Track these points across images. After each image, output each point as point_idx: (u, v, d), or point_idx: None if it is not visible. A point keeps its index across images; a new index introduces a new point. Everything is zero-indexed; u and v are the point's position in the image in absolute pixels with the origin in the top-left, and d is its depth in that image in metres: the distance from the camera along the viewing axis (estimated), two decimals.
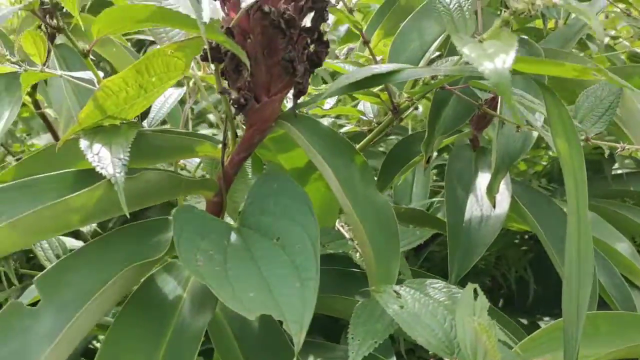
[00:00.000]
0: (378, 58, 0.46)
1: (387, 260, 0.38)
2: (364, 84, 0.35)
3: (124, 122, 0.39)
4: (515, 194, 0.56)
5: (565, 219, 0.56)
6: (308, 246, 0.35)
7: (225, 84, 0.39)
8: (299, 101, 0.38)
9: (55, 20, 0.33)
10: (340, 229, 0.48)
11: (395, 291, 0.34)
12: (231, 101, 0.35)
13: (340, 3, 0.43)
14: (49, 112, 0.77)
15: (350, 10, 0.42)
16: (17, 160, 0.80)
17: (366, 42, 0.45)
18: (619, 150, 0.43)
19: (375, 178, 0.59)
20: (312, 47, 0.38)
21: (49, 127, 0.77)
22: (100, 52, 0.75)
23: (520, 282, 0.93)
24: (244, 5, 0.34)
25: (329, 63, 0.52)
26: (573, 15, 0.77)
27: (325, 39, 0.37)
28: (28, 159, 0.39)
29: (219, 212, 0.41)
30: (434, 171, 0.87)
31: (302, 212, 0.37)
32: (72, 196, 0.31)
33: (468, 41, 0.28)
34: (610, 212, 0.71)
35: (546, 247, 0.53)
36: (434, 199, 0.73)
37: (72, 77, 0.39)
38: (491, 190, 0.48)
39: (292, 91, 0.38)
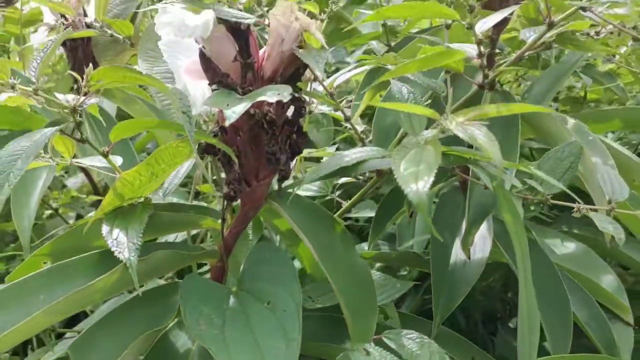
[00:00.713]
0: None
1: (363, 317, 0.44)
2: (336, 174, 0.42)
3: (140, 200, 0.47)
4: (496, 235, 0.61)
5: (543, 259, 0.62)
6: (293, 310, 0.41)
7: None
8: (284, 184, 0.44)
9: (80, 134, 0.40)
10: None
11: (365, 349, 0.40)
12: (223, 194, 0.42)
13: (320, 87, 0.49)
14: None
15: (331, 95, 0.49)
16: (55, 210, 0.89)
17: (347, 119, 0.51)
18: (574, 211, 0.48)
19: None
20: (293, 136, 0.44)
21: (84, 172, 0.87)
22: (126, 109, 0.83)
23: None
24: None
25: (336, 114, 0.59)
26: (567, 52, 0.82)
27: (304, 130, 0.44)
28: (62, 237, 0.46)
29: (222, 275, 0.48)
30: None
31: (289, 279, 0.43)
32: (95, 281, 0.38)
33: (409, 150, 0.34)
34: (599, 243, 0.74)
35: None
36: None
37: (96, 166, 0.47)
38: (465, 244, 0.53)
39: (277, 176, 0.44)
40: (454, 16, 0.41)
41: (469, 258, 0.56)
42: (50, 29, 0.81)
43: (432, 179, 0.30)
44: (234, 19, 0.42)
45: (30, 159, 0.35)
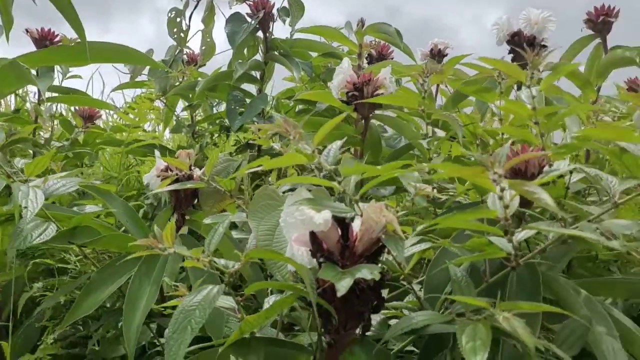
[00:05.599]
0: None
1: None
2: (407, 333, 0.57)
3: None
4: None
5: None
6: None
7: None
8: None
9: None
10: None
11: None
12: (324, 342, 0.58)
13: None
14: None
15: (400, 264, 0.65)
16: None
17: (408, 282, 0.67)
18: None
19: None
20: (376, 300, 0.60)
21: None
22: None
23: None
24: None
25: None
26: None
27: (383, 296, 0.60)
28: None
29: None
30: None
31: None
32: None
33: (466, 325, 0.50)
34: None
35: None
36: None
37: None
38: None
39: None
40: None
41: None
42: (160, 172, 1.00)
43: (486, 354, 0.45)
44: (341, 215, 0.59)
45: (207, 311, 0.51)
